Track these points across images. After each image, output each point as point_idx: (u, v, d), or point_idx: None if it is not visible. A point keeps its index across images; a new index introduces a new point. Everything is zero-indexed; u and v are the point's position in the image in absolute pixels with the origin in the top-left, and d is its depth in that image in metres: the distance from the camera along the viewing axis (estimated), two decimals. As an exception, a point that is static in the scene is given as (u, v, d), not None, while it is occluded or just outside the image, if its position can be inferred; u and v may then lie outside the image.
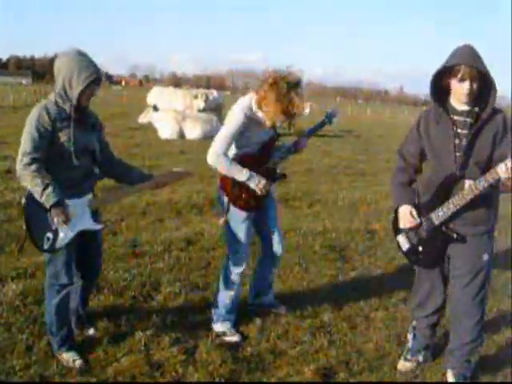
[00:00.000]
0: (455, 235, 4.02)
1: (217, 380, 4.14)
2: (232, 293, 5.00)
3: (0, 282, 5.53)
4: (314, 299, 5.67)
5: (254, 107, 4.59)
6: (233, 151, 4.70)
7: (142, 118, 21.93)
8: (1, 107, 31.92)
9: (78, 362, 4.20)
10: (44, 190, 3.81)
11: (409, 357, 4.60)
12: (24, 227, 4.08)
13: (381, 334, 5.07)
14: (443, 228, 4.04)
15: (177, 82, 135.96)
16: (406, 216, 4.13)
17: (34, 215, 4.01)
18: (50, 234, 4.00)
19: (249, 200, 4.77)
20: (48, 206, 3.85)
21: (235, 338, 4.86)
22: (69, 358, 4.22)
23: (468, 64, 3.72)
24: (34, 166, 3.82)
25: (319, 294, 5.81)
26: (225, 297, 5.01)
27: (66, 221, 3.95)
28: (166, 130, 20.71)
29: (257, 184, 4.64)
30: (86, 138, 4.11)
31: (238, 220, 4.81)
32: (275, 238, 5.16)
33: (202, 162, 14.30)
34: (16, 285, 5.40)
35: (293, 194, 11.17)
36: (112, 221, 8.07)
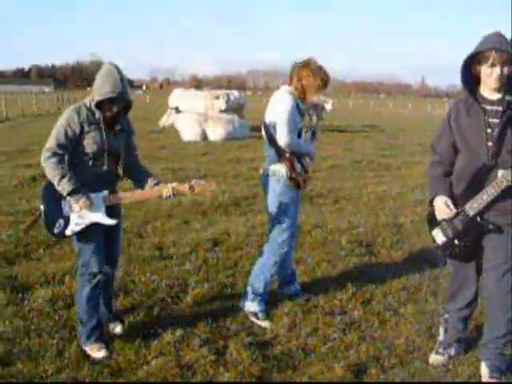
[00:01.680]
0: (491, 226, 3.95)
1: (247, 379, 4.13)
2: (271, 271, 5.30)
3: (29, 288, 5.58)
4: (342, 295, 5.64)
5: (294, 94, 5.05)
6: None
7: (165, 121, 21.99)
8: (25, 116, 32.22)
9: (103, 352, 4.38)
10: (61, 179, 4.16)
11: (440, 350, 4.54)
12: (40, 209, 4.43)
13: (411, 329, 5.01)
14: (478, 219, 3.98)
15: (198, 83, 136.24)
16: (442, 207, 4.08)
17: (50, 201, 4.36)
18: (61, 221, 4.33)
19: (304, 181, 5.22)
20: (65, 194, 4.20)
21: (265, 324, 5.04)
22: (95, 347, 4.40)
23: (498, 48, 3.70)
24: (54, 159, 4.18)
25: (348, 290, 5.76)
26: (264, 274, 5.27)
27: (85, 207, 4.24)
28: (188, 132, 20.78)
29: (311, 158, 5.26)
30: (111, 142, 4.39)
31: (292, 199, 5.18)
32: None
33: (225, 163, 14.48)
34: (45, 291, 5.44)
35: (318, 191, 11.13)
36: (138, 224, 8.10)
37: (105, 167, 4.39)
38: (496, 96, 3.88)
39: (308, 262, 6.60)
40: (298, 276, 5.98)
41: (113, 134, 4.41)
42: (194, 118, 21.37)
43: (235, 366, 4.27)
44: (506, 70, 3.75)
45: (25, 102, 37.83)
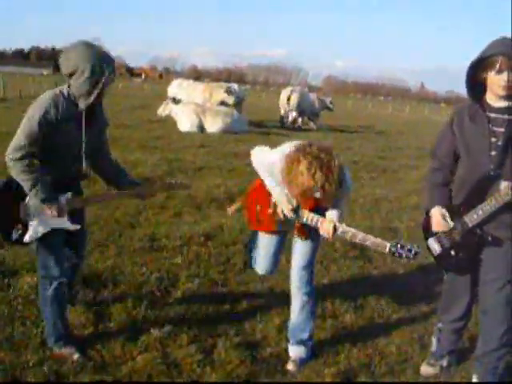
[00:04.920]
0: (490, 238, 3.84)
1: (235, 381, 4.03)
2: None
3: (16, 274, 5.45)
4: (335, 299, 5.53)
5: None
6: None
7: (162, 111, 21.83)
8: (22, 97, 32.01)
9: (76, 356, 4.11)
10: (35, 185, 3.79)
11: (432, 361, 4.46)
12: None
13: (403, 337, 4.93)
14: (478, 231, 3.88)
15: (197, 75, 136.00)
16: (438, 219, 3.94)
17: (4, 205, 3.92)
18: (19, 226, 3.93)
19: (263, 220, 4.51)
20: (38, 202, 3.84)
21: None
22: (65, 352, 4.14)
23: (506, 54, 3.57)
24: (27, 161, 3.77)
25: (340, 294, 5.67)
26: None
27: (59, 214, 3.93)
28: (185, 123, 20.60)
29: (277, 199, 4.28)
30: (89, 139, 4.01)
31: (260, 236, 4.69)
32: (294, 267, 4.50)
33: (221, 156, 14.36)
34: (31, 277, 5.29)
35: (313, 191, 11.00)
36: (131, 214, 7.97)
37: (74, 167, 4.04)
38: (502, 104, 3.76)
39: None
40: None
41: (90, 129, 3.98)
42: (191, 108, 21.20)
43: (223, 367, 4.17)
44: None
45: (23, 84, 37.55)
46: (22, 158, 3.75)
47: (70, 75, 3.80)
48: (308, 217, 4.16)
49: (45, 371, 3.89)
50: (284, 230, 4.56)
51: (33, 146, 3.77)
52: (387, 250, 3.85)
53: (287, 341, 4.51)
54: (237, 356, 4.31)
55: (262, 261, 4.73)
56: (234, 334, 4.70)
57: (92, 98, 3.84)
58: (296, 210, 4.20)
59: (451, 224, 3.91)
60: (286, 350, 4.49)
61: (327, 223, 4.03)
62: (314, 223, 4.12)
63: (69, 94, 3.84)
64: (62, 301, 4.24)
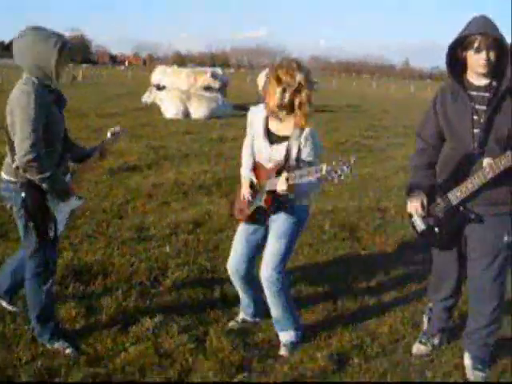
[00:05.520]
0: (473, 215, 3.86)
1: (228, 368, 4.02)
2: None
3: (5, 269, 5.41)
4: (325, 281, 5.56)
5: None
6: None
7: (146, 98, 21.69)
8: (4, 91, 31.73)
9: (69, 351, 4.10)
10: (54, 180, 3.73)
11: (424, 340, 4.48)
12: (31, 223, 3.85)
13: (395, 317, 4.94)
14: (461, 208, 3.89)
15: (181, 60, 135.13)
16: (415, 206, 4.01)
17: (37, 208, 3.83)
18: (51, 224, 3.88)
19: (238, 209, 4.64)
20: (63, 193, 3.84)
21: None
22: (58, 347, 4.12)
23: (483, 33, 3.59)
24: (40, 158, 3.62)
25: (330, 276, 5.69)
26: None
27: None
28: (170, 110, 20.51)
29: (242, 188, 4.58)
30: (63, 118, 4.00)
31: (238, 229, 4.66)
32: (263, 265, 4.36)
33: (207, 141, 14.31)
34: (21, 273, 5.28)
35: (301, 173, 10.98)
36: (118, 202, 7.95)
37: (60, 149, 3.97)
38: (483, 82, 3.78)
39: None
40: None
41: (61, 109, 3.99)
42: (176, 95, 21.10)
43: (215, 354, 4.17)
44: (492, 54, 3.63)
45: (4, 76, 37.18)
46: (37, 157, 3.60)
47: (33, 62, 3.74)
48: (267, 184, 4.25)
49: (38, 367, 3.86)
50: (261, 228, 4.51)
51: (40, 140, 3.63)
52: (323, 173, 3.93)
53: None
54: (229, 343, 4.29)
55: (231, 254, 4.61)
56: (225, 321, 4.71)
57: (62, 78, 3.89)
58: (252, 185, 4.52)
59: (423, 226, 4.07)
60: (278, 336, 4.49)
61: (280, 180, 4.01)
62: (273, 187, 4.12)
63: (38, 80, 3.75)
64: (53, 296, 4.25)
